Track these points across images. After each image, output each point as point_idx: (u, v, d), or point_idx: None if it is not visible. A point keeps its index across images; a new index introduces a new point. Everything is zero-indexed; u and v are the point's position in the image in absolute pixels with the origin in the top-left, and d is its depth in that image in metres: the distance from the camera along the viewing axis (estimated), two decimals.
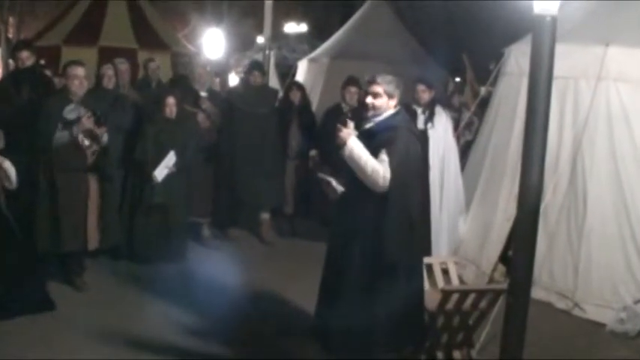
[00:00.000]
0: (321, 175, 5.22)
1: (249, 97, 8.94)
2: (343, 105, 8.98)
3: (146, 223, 7.77)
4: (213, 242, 8.80)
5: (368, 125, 5.09)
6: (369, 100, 5.05)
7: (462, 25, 23.36)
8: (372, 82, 5.06)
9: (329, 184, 5.11)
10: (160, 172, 7.58)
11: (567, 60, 6.74)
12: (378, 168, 4.79)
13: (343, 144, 4.93)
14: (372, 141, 4.94)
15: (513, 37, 8.38)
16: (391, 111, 5.04)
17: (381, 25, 13.78)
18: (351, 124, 5.09)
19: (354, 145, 4.91)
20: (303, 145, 9.45)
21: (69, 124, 6.61)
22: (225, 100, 9.06)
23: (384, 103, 5.01)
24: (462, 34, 22.19)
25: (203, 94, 8.61)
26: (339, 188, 5.08)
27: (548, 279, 7.23)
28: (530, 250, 4.24)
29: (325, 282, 5.24)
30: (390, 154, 4.80)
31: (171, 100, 7.83)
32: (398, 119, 5.03)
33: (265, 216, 9.28)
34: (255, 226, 9.33)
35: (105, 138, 6.78)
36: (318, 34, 26.45)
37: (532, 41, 4.12)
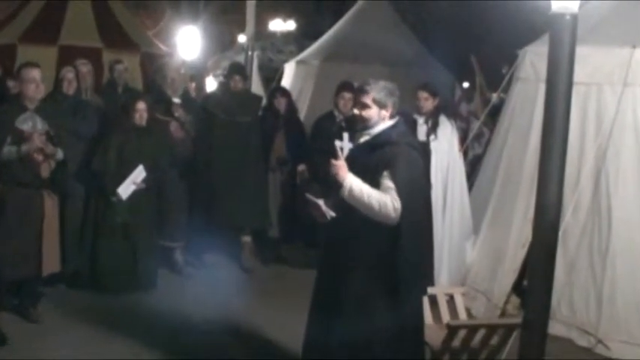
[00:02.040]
0: (309, 196, 5.09)
1: (228, 104, 8.93)
2: (336, 113, 8.90)
3: (110, 247, 7.72)
4: (187, 269, 8.75)
5: (363, 139, 5.10)
6: (356, 111, 5.08)
7: (470, 22, 23.45)
8: (360, 91, 5.09)
9: (318, 207, 4.98)
10: (126, 189, 7.51)
11: (589, 64, 6.78)
12: (385, 200, 4.76)
13: (340, 183, 4.90)
14: (370, 158, 4.94)
15: (529, 38, 8.42)
16: (388, 122, 5.04)
17: (379, 22, 13.78)
18: (345, 136, 5.09)
19: (352, 183, 4.86)
20: (289, 158, 9.44)
21: (19, 137, 6.57)
22: (202, 107, 9.05)
23: (374, 114, 5.02)
24: (471, 33, 22.29)
25: (176, 100, 8.56)
26: (330, 213, 4.95)
27: (568, 312, 7.23)
28: (547, 279, 4.24)
29: (315, 311, 5.22)
30: (394, 180, 4.80)
31: (141, 106, 7.80)
32: (396, 133, 5.03)
33: (246, 239, 9.24)
34: (234, 251, 9.29)
35: (60, 155, 6.77)
36: (308, 32, 26.55)
37: (550, 42, 4.14)
